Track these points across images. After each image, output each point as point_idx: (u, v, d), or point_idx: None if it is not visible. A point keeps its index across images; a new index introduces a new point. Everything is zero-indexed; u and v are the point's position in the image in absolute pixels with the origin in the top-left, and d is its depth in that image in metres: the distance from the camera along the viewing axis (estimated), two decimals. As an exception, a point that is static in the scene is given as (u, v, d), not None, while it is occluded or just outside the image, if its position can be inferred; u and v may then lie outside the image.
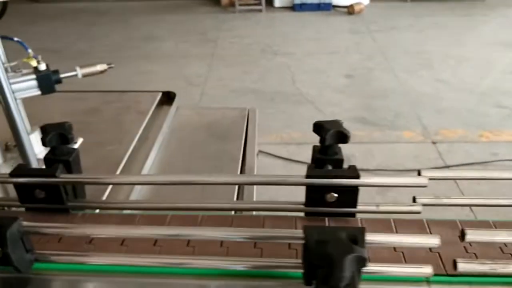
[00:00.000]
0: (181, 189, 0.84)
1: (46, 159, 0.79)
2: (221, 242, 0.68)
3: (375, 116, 3.86)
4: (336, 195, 0.71)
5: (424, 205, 0.72)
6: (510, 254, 0.65)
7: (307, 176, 0.71)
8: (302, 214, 0.75)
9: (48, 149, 0.80)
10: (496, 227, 0.71)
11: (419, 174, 0.71)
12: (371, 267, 0.58)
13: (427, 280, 0.61)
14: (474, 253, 0.65)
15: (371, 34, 6.01)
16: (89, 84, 1.48)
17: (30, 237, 0.63)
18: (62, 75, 1.17)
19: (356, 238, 0.53)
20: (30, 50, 1.26)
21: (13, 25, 5.88)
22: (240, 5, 7.17)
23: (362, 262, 0.50)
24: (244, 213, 0.88)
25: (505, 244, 0.66)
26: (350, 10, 6.88)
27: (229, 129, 1.57)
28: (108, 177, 0.88)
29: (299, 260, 0.58)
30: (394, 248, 0.66)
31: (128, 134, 1.40)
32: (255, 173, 1.35)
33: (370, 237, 0.55)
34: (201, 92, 4.39)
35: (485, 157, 3.23)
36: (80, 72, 1.21)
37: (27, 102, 1.17)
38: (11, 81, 1.04)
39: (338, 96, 4.25)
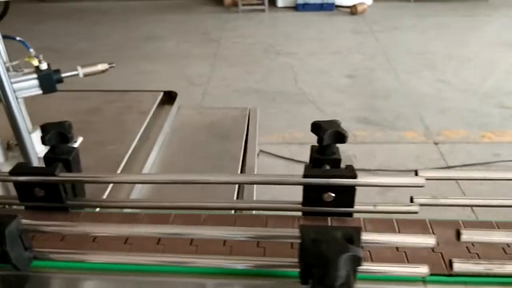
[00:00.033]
0: (181, 188, 0.84)
1: (46, 157, 0.79)
2: (224, 241, 0.69)
3: (377, 116, 3.85)
4: (333, 194, 0.71)
5: (422, 205, 0.72)
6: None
7: (305, 176, 0.71)
8: (300, 213, 0.75)
9: (48, 147, 0.80)
10: (498, 228, 0.71)
11: (416, 174, 0.71)
12: (367, 267, 0.58)
13: (423, 280, 0.61)
14: (476, 254, 0.65)
15: (373, 34, 6.00)
16: (90, 83, 1.48)
17: (30, 235, 0.64)
18: (63, 75, 1.18)
19: (352, 237, 0.53)
20: (32, 50, 1.27)
21: (16, 24, 5.89)
22: (243, 5, 7.18)
23: (357, 261, 0.50)
24: (244, 212, 0.88)
25: (508, 245, 0.66)
26: (353, 10, 6.87)
27: (230, 129, 1.57)
28: (107, 176, 0.88)
29: (297, 259, 0.58)
30: (397, 248, 0.66)
31: (129, 133, 1.41)
32: (255, 172, 1.35)
33: (366, 237, 0.55)
34: (203, 92, 4.39)
35: (487, 157, 3.22)
36: (81, 71, 1.21)
37: (29, 101, 1.18)
38: (13, 80, 1.05)
39: (340, 96, 4.25)
